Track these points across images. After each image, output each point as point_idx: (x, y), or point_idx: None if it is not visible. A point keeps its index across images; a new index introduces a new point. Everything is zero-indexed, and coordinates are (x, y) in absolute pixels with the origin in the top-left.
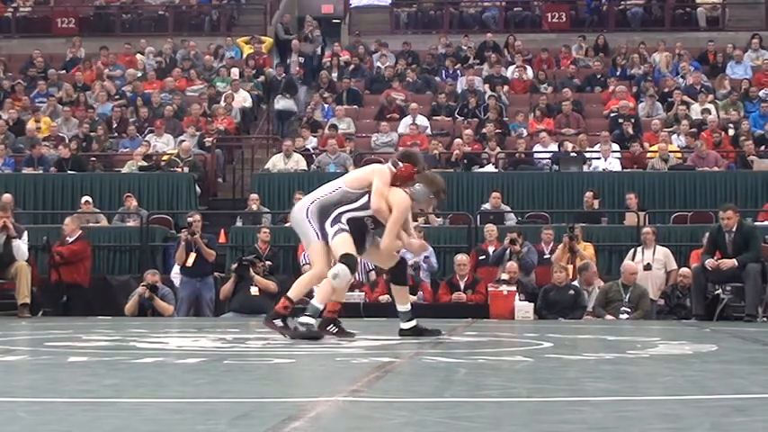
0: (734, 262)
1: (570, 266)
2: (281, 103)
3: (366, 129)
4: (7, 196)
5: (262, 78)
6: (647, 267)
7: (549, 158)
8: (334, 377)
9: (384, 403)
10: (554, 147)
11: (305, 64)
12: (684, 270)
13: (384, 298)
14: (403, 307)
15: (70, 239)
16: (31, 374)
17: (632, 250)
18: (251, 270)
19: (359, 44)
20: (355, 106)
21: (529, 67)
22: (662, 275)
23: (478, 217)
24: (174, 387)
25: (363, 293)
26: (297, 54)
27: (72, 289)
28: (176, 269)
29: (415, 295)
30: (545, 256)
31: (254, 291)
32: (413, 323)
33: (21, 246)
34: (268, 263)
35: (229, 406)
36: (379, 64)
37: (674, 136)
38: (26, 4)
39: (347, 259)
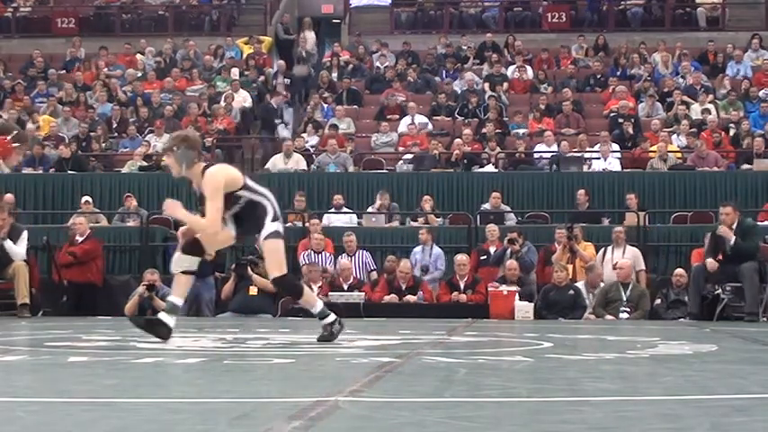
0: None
1: (570, 266)
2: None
3: (366, 129)
4: (9, 196)
5: (262, 78)
6: (616, 267)
7: (549, 158)
8: (333, 377)
9: (384, 403)
10: (554, 147)
11: (295, 86)
12: (679, 270)
13: (388, 298)
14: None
15: (80, 239)
16: (31, 374)
17: (602, 249)
18: (249, 270)
19: (359, 44)
20: (355, 106)
21: (529, 67)
22: (631, 275)
23: (478, 217)
24: (174, 387)
25: (363, 293)
26: (283, 76)
27: (84, 288)
28: None
29: (415, 295)
30: (551, 255)
31: (252, 291)
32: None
33: (12, 247)
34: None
35: (229, 406)
36: (378, 64)
37: (674, 136)
38: (26, 4)
39: None
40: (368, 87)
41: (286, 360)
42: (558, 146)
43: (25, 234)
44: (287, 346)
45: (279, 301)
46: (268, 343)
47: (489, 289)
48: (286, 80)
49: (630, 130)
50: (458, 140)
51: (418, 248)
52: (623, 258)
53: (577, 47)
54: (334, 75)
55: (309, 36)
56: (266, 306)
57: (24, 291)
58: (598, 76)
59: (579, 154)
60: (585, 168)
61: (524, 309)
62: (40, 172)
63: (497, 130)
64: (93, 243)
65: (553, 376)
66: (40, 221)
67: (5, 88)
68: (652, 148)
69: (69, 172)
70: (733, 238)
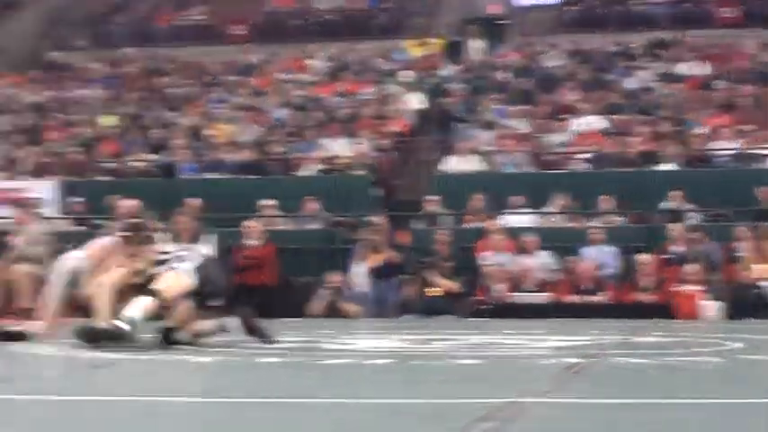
0: None
1: (760, 266)
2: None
3: (540, 129)
4: (195, 201)
5: (433, 80)
6: None
7: (729, 156)
8: (522, 378)
9: (573, 404)
10: (733, 144)
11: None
12: None
13: (569, 298)
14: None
15: (254, 243)
16: (224, 375)
17: None
18: (430, 272)
19: (527, 44)
20: (528, 106)
21: (702, 63)
22: None
23: (659, 216)
24: (364, 387)
25: (545, 294)
26: (456, 81)
27: (259, 291)
28: (357, 269)
29: (596, 295)
30: (736, 254)
31: (434, 292)
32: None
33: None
34: (448, 264)
35: (418, 406)
36: (548, 63)
37: None
38: (199, 12)
39: None
40: (539, 87)
41: (474, 361)
42: (738, 143)
43: (210, 238)
44: (474, 348)
45: (462, 302)
46: (454, 344)
47: (673, 289)
48: (460, 86)
49: None
50: (633, 139)
51: (591, 248)
52: None
53: (753, 42)
54: (506, 75)
55: (476, 44)
56: (449, 307)
57: None
58: None
59: (760, 150)
60: None
61: (710, 309)
62: (222, 177)
63: (673, 128)
64: (269, 246)
65: (746, 377)
66: (223, 225)
67: (183, 96)
68: None
69: (250, 176)
70: None
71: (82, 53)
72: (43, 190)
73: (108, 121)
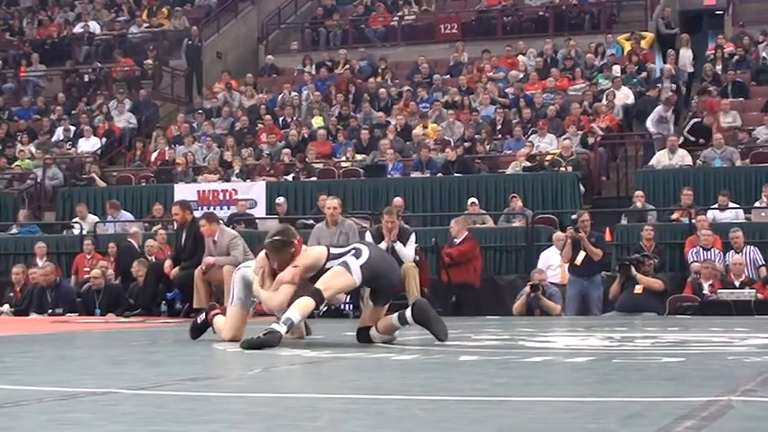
0: None
1: None
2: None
3: (753, 122)
4: (398, 200)
5: (644, 75)
6: None
7: None
8: (725, 376)
9: None
10: None
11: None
12: None
13: None
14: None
15: (457, 240)
16: (425, 373)
17: None
18: (634, 270)
19: (743, 35)
20: (741, 99)
21: None
22: None
23: None
24: (564, 386)
25: (754, 291)
26: (669, 79)
27: (462, 289)
28: (559, 266)
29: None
30: None
31: (637, 289)
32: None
33: (402, 249)
34: (653, 261)
35: (620, 405)
36: (765, 54)
37: None
38: (410, 12)
39: None
40: (754, 79)
41: (676, 359)
42: None
43: (413, 236)
44: (676, 345)
45: (667, 300)
46: (657, 341)
47: None
48: (672, 84)
49: None
50: None
51: None
52: None
53: None
54: (718, 67)
55: (685, 54)
56: (652, 305)
57: (415, 291)
58: None
59: None
60: None
61: None
62: (428, 175)
63: None
64: (470, 244)
65: None
66: (428, 224)
67: (393, 95)
68: None
69: (455, 174)
70: None
71: (296, 56)
72: (253, 191)
73: (318, 122)
